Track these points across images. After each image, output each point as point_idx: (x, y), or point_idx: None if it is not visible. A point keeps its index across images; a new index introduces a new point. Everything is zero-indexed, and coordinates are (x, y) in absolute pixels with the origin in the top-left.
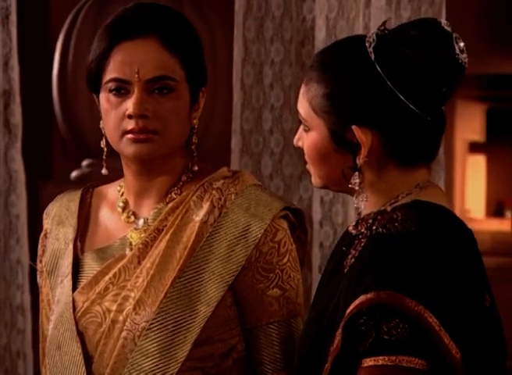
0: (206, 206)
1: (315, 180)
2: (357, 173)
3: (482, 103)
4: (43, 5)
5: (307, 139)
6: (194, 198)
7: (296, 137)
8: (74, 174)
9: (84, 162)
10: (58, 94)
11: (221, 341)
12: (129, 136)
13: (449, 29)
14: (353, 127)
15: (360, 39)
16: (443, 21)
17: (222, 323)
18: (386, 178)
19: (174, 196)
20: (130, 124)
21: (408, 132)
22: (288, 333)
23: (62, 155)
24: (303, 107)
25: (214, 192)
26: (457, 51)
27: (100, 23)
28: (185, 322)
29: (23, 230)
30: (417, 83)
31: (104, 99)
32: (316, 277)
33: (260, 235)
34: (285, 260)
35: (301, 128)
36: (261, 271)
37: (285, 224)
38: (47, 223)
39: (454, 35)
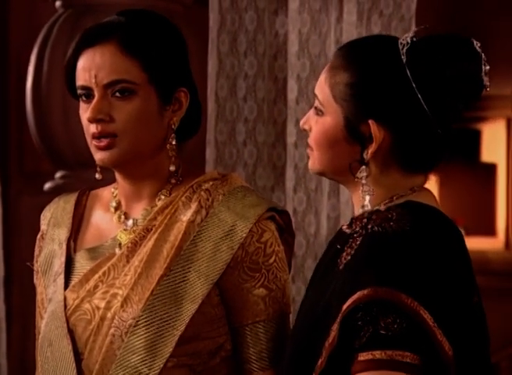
0: (194, 206)
1: (314, 165)
2: (364, 167)
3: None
4: (1, 16)
5: (318, 123)
6: (183, 198)
7: (304, 120)
8: (48, 186)
9: (58, 174)
10: (32, 106)
11: (208, 339)
12: (93, 142)
13: (479, 50)
14: (370, 121)
15: (393, 39)
16: (476, 42)
17: (208, 321)
18: (386, 178)
19: (163, 198)
20: (92, 128)
21: (418, 139)
22: (274, 332)
23: (36, 167)
24: (322, 91)
25: (202, 193)
26: (483, 73)
27: (74, 35)
28: (171, 319)
29: None
30: (441, 95)
31: (80, 106)
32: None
33: (245, 235)
34: (271, 260)
35: (311, 112)
36: (247, 271)
37: (272, 226)
38: (43, 224)
39: (483, 57)
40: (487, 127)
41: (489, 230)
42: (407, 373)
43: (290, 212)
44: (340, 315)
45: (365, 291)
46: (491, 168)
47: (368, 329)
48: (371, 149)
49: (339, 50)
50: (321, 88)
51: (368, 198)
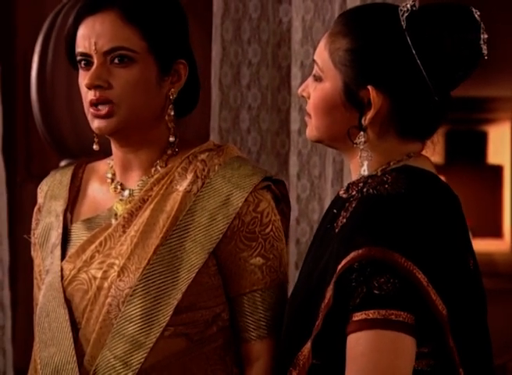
0: (190, 177)
1: (312, 132)
2: (362, 133)
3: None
4: (8, 8)
5: (317, 89)
6: (179, 169)
7: (302, 87)
8: (54, 170)
9: (62, 163)
10: (36, 95)
11: (205, 309)
12: (91, 110)
13: (479, 19)
14: (369, 87)
15: (393, 7)
16: (475, 10)
17: (205, 290)
18: (384, 144)
19: (159, 169)
20: (90, 95)
21: (416, 105)
22: (272, 301)
23: (42, 155)
24: (322, 57)
25: (198, 164)
26: (481, 42)
27: None
28: (167, 288)
29: (4, 228)
30: (440, 62)
31: (79, 74)
32: (292, 273)
33: (241, 204)
34: (268, 230)
35: (310, 79)
36: (244, 240)
37: (268, 195)
38: (40, 197)
39: (482, 25)
40: (494, 129)
41: (496, 232)
42: (401, 331)
43: (294, 199)
44: (335, 275)
45: (360, 251)
46: (497, 170)
47: (362, 289)
48: (369, 115)
49: (339, 17)
50: (321, 54)
51: (366, 163)
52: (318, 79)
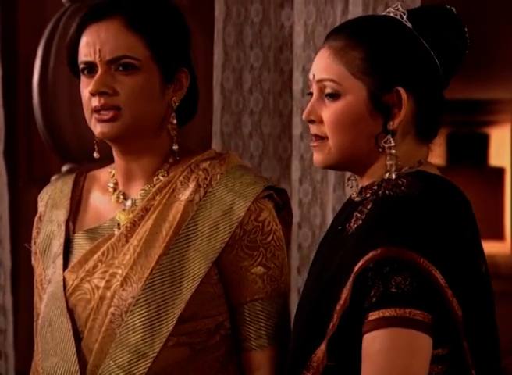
0: (192, 186)
1: (327, 155)
2: (390, 137)
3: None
4: (10, 12)
5: (335, 106)
6: (181, 178)
7: (308, 111)
8: (54, 178)
9: (64, 167)
10: (38, 100)
11: (207, 318)
12: (95, 116)
13: (457, 15)
14: (400, 88)
15: (383, 16)
16: (452, 7)
17: (208, 299)
18: (403, 147)
19: (161, 178)
20: (94, 102)
21: (436, 104)
22: (273, 311)
23: (43, 159)
24: (336, 72)
25: (200, 173)
26: (467, 36)
27: None
28: (170, 297)
29: (5, 232)
30: (447, 56)
31: (81, 81)
32: (295, 278)
33: (243, 213)
34: (269, 239)
35: (315, 102)
36: (245, 249)
37: (269, 204)
38: (41, 206)
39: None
40: (495, 131)
41: (497, 235)
42: (418, 330)
43: (296, 204)
44: (353, 275)
45: (378, 251)
46: (499, 172)
47: (379, 288)
48: (398, 118)
49: (336, 33)
50: (333, 70)
51: (394, 168)
52: (333, 96)
